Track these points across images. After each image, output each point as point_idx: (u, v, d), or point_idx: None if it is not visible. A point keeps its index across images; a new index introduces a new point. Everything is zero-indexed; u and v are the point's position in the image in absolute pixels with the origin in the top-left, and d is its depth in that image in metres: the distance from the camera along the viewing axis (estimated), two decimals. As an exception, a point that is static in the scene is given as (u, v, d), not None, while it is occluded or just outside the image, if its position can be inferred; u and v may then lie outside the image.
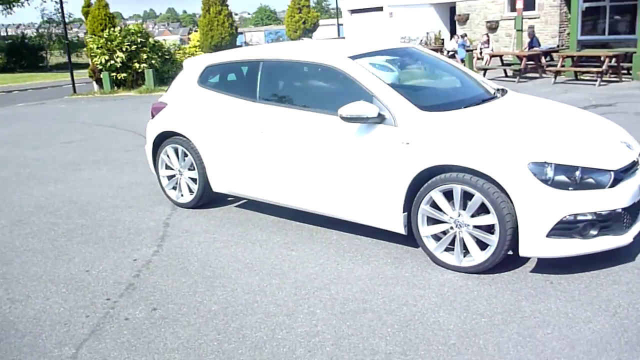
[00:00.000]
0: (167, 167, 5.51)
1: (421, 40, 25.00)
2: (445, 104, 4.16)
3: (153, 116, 5.57)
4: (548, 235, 3.44)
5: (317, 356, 2.93)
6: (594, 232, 3.49)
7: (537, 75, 15.98)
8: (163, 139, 5.43)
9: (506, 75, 16.60)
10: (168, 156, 5.42)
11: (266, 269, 4.01)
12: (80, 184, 6.59)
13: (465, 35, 20.92)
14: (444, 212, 3.77)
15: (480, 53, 19.09)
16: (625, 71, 14.46)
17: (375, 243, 4.34)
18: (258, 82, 4.77)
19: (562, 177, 3.43)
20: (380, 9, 24.61)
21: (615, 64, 14.14)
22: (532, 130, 3.88)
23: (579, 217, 3.43)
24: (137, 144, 8.69)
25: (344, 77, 4.26)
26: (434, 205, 3.80)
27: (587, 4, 18.64)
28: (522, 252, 3.55)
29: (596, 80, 13.80)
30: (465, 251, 3.77)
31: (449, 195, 3.73)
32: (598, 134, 3.99)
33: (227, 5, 21.08)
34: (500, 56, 16.91)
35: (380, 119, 3.94)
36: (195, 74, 5.28)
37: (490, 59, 17.65)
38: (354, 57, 4.36)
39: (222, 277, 3.91)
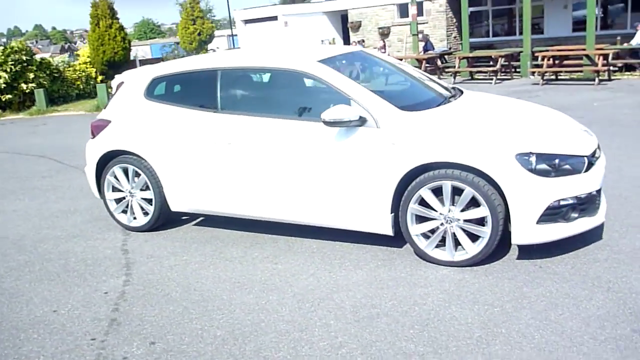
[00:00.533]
0: (115, 190, 5.09)
1: (317, 48, 25.49)
2: (419, 103, 4.23)
3: (94, 135, 5.11)
4: (538, 222, 3.61)
5: (351, 368, 2.83)
6: (575, 215, 3.72)
7: (435, 76, 16.86)
8: (109, 159, 5.01)
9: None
10: (116, 177, 5.00)
11: (258, 286, 3.82)
12: (5, 218, 5.88)
13: (363, 41, 21.62)
14: (434, 209, 3.82)
15: (379, 58, 19.78)
16: (514, 69, 15.71)
17: (358, 247, 4.30)
18: (218, 91, 4.55)
19: (544, 166, 3.61)
20: (274, 18, 24.73)
21: (507, 63, 15.33)
22: (507, 124, 4.06)
23: (562, 202, 3.64)
24: (53, 169, 7.95)
25: (317, 82, 4.19)
26: (423, 203, 3.84)
27: (472, 9, 20.08)
28: (515, 241, 3.69)
29: (491, 79, 14.87)
30: (457, 245, 3.84)
31: (437, 192, 3.79)
32: (561, 125, 4.27)
33: (118, 19, 19.99)
34: (400, 60, 17.64)
35: (361, 121, 3.91)
36: (140, 87, 4.93)
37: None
38: (322, 61, 4.30)
39: (214, 300, 3.66)
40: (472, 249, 3.78)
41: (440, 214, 3.81)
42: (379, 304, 3.44)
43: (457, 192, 3.74)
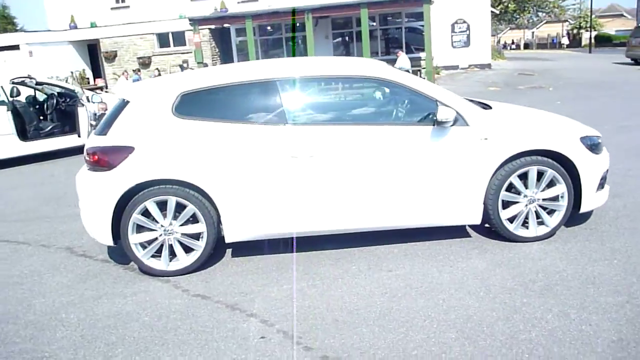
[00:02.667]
0: (141, 230, 4.17)
1: (66, 79, 22.93)
2: (481, 104, 4.70)
3: (108, 166, 4.09)
4: (596, 190, 4.50)
5: (570, 347, 3.18)
6: (603, 185, 4.73)
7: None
8: (134, 193, 4.09)
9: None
10: (145, 214, 4.12)
11: (414, 292, 3.75)
12: None
13: (139, 70, 20.42)
14: (521, 194, 4.36)
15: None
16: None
17: (438, 244, 4.53)
18: (282, 103, 4.23)
19: (592, 146, 4.52)
20: (16, 47, 21.38)
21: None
22: (547, 119, 4.81)
23: (603, 174, 4.61)
24: None
25: (401, 87, 4.31)
26: (509, 189, 4.36)
27: (240, 38, 20.98)
28: (584, 209, 4.49)
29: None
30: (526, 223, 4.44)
31: (522, 176, 4.35)
32: (570, 119, 5.21)
33: None
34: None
35: (455, 120, 4.23)
36: (163, 105, 4.19)
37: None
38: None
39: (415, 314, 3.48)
40: (551, 223, 4.43)
41: (525, 196, 4.38)
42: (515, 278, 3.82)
43: (524, 176, 4.33)
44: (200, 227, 4.17)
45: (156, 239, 4.20)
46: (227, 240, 4.27)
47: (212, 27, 21.00)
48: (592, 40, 43.31)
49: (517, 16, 42.46)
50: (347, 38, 20.64)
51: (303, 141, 4.14)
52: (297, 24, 19.36)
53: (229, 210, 4.15)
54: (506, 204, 4.39)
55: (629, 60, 24.39)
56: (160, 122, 4.16)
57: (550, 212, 4.45)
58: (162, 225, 4.17)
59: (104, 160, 4.12)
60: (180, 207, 4.14)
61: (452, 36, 23.15)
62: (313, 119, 4.31)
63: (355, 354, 3.06)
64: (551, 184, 4.38)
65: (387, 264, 4.22)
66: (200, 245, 4.21)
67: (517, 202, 4.39)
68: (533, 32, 66.85)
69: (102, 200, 4.12)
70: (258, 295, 3.85)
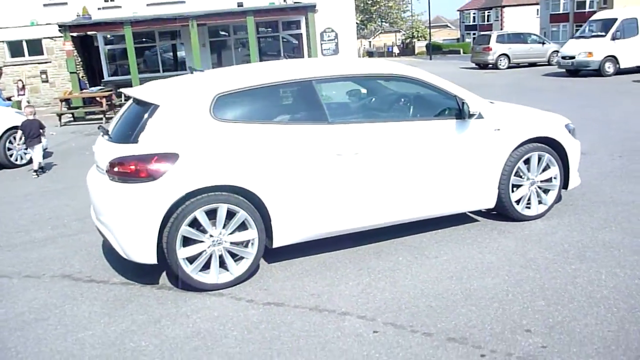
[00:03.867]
0: (188, 243, 3.88)
1: None
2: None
3: (152, 176, 3.75)
4: (577, 170, 5.19)
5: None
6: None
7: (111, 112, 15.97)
8: (180, 203, 3.81)
9: (75, 119, 15.84)
10: (195, 225, 3.86)
11: (475, 273, 4.02)
12: None
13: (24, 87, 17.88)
14: (526, 177, 4.87)
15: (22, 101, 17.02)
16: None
17: (433, 236, 4.85)
18: (320, 102, 4.24)
19: (572, 132, 5.19)
20: None
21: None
22: (535, 111, 5.35)
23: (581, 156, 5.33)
24: None
25: (423, 85, 4.57)
26: (517, 174, 4.85)
27: (109, 47, 19.73)
28: (571, 186, 5.13)
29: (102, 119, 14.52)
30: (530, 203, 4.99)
31: (525, 162, 4.87)
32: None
33: None
34: (67, 100, 15.85)
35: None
36: (199, 108, 3.96)
37: (62, 103, 16.06)
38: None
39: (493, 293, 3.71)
40: (548, 201, 5.02)
41: (528, 179, 4.90)
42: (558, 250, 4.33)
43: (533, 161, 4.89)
44: (251, 234, 4.00)
45: (204, 251, 3.94)
46: (275, 245, 4.15)
47: (75, 34, 19.33)
48: (428, 49, 47.87)
49: (363, 26, 45.36)
50: (226, 45, 20.39)
51: (346, 139, 4.19)
52: (178, 32, 18.73)
53: (280, 213, 4.05)
54: (513, 188, 4.86)
55: (473, 65, 27.47)
56: (199, 126, 3.92)
57: (546, 191, 5.03)
58: (211, 236, 3.92)
59: (146, 170, 3.76)
60: (229, 215, 3.93)
61: (321, 44, 23.99)
62: (352, 117, 4.40)
63: (474, 332, 3.23)
64: (546, 167, 4.95)
65: (427, 252, 4.44)
66: (251, 253, 4.04)
67: (522, 185, 4.89)
68: (370, 42, 71.88)
69: (146, 215, 3.76)
70: (331, 294, 3.83)
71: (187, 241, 3.88)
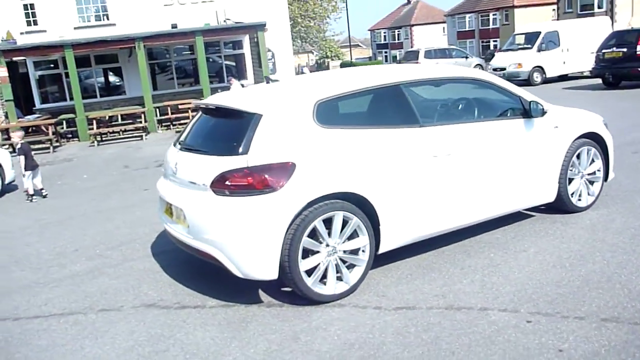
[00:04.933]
0: (306, 255, 3.76)
1: None
2: None
3: (270, 186, 3.60)
4: (613, 162, 5.59)
5: None
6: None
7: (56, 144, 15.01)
8: (300, 213, 3.69)
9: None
10: (312, 236, 3.74)
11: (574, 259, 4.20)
12: None
13: None
14: (578, 168, 5.17)
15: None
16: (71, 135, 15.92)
17: (505, 233, 5.06)
18: (412, 105, 4.29)
19: (606, 127, 5.57)
20: None
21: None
22: (579, 109, 5.60)
23: (607, 149, 5.73)
24: None
25: (495, 88, 4.75)
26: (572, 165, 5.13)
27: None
28: (609, 178, 5.49)
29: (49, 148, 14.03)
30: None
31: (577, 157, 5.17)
32: None
33: None
34: (5, 130, 14.61)
35: (540, 112, 4.85)
36: (302, 115, 3.88)
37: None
38: (480, 73, 4.88)
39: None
40: (595, 192, 5.35)
41: (578, 172, 5.20)
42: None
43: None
44: (362, 241, 3.94)
45: (321, 262, 3.82)
46: (382, 250, 4.11)
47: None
48: (343, 67, 49.09)
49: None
50: (166, 68, 19.80)
51: (439, 140, 4.26)
52: (116, 55, 17.95)
53: (387, 218, 4.03)
54: (569, 181, 5.15)
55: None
56: (305, 134, 3.83)
57: (592, 183, 5.36)
58: (327, 245, 3.82)
59: (266, 181, 3.60)
60: (342, 223, 3.85)
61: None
62: (438, 119, 4.46)
63: (620, 311, 3.39)
64: (592, 161, 5.28)
65: (512, 247, 4.57)
66: (363, 260, 3.97)
67: (574, 179, 5.19)
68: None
69: (269, 228, 3.59)
70: (454, 293, 3.84)
71: (305, 253, 3.75)
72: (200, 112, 4.64)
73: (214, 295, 4.18)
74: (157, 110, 16.23)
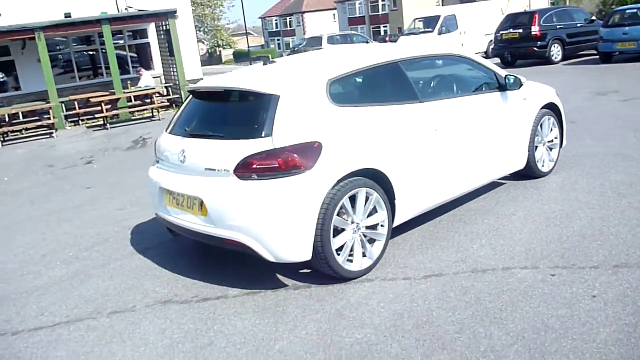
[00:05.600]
0: (337, 233, 3.78)
1: None
2: None
3: (301, 167, 3.56)
4: (565, 130, 6.14)
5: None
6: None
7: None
8: (330, 192, 3.70)
9: None
10: (343, 212, 3.77)
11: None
12: None
13: None
14: (541, 137, 5.61)
15: None
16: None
17: (488, 200, 5.42)
18: (410, 82, 4.42)
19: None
20: None
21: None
22: (535, 83, 6.04)
23: (557, 119, 6.28)
24: None
25: (473, 64, 5.02)
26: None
27: None
28: (564, 144, 6.03)
29: None
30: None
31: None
32: None
33: None
34: None
35: (512, 85, 5.20)
36: (317, 94, 3.87)
37: None
38: (458, 52, 5.12)
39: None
40: (555, 158, 5.85)
41: (542, 140, 5.65)
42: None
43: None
44: (382, 216, 4.02)
45: (348, 239, 3.86)
46: (396, 223, 4.22)
47: None
48: (236, 56, 48.35)
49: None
50: (65, 60, 18.33)
51: (437, 115, 4.45)
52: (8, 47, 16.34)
53: (402, 191, 4.14)
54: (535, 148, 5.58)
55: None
56: (323, 113, 3.83)
57: (551, 150, 5.85)
58: (352, 222, 3.86)
59: (295, 162, 3.56)
60: (367, 199, 3.91)
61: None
62: (433, 95, 4.63)
63: (625, 258, 3.77)
64: (551, 129, 5.77)
65: (501, 212, 4.89)
66: (383, 235, 4.06)
67: (538, 147, 5.63)
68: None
69: (304, 208, 3.57)
70: (472, 257, 4.05)
71: (334, 232, 3.76)
72: (191, 97, 4.46)
73: (230, 284, 4.06)
74: (63, 105, 15.05)
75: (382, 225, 4.05)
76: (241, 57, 58.89)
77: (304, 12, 65.81)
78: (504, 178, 5.64)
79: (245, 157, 3.60)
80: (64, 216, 6.42)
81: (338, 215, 3.75)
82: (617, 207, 4.69)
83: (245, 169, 3.60)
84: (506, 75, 5.09)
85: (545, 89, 5.82)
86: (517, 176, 5.64)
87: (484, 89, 5.06)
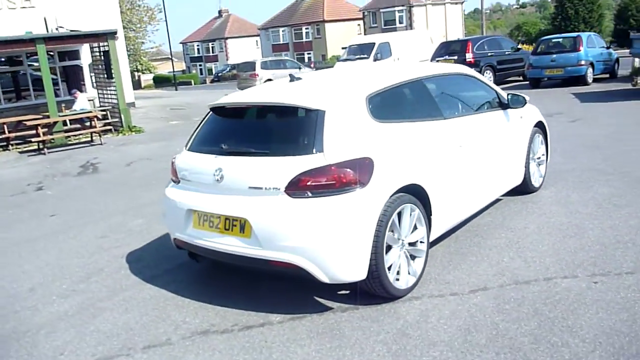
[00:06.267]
0: (387, 250, 3.70)
1: None
2: None
3: (356, 183, 3.47)
4: (547, 147, 6.47)
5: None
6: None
7: None
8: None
9: None
10: (393, 228, 3.71)
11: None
12: None
13: None
14: (534, 153, 5.85)
15: None
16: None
17: (493, 216, 5.57)
18: (435, 99, 4.49)
19: (535, 118, 6.44)
20: None
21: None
22: None
23: (537, 137, 6.61)
24: None
25: (477, 83, 5.18)
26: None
27: None
28: (548, 156, 6.34)
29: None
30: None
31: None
32: None
33: None
34: None
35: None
36: (360, 110, 3.83)
37: None
38: (468, 71, 5.28)
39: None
40: (543, 173, 6.12)
41: (534, 154, 5.89)
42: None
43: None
44: (421, 232, 3.99)
45: (396, 256, 3.79)
46: (430, 239, 4.20)
47: None
48: (156, 81, 47.19)
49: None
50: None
51: (459, 131, 4.53)
52: None
53: (437, 207, 4.14)
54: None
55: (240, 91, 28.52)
56: (366, 129, 3.78)
57: (539, 165, 6.12)
58: (398, 239, 3.80)
59: (353, 178, 3.46)
60: (410, 214, 3.87)
61: (91, 77, 22.07)
62: (453, 111, 4.70)
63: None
64: (539, 146, 6.05)
65: (512, 226, 5.03)
66: (422, 251, 4.02)
67: (531, 162, 5.88)
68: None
69: (362, 225, 3.46)
70: (508, 270, 4.11)
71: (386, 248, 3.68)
72: (211, 113, 4.26)
73: (266, 309, 3.84)
74: (-13, 130, 13.90)
75: (421, 242, 4.01)
76: (162, 82, 57.62)
77: (227, 38, 65.56)
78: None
79: (297, 175, 3.45)
80: (37, 246, 5.83)
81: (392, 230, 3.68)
82: (619, 217, 4.96)
83: (298, 187, 3.45)
84: (509, 94, 5.29)
85: (533, 108, 6.10)
86: (511, 192, 5.83)
87: (488, 107, 5.22)
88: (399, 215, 3.76)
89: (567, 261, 4.17)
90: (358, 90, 3.94)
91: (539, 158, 6.04)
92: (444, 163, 4.25)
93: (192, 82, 57.17)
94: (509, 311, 3.52)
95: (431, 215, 4.09)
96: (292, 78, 4.29)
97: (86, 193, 8.32)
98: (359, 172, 3.49)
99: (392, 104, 4.19)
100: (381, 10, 50.42)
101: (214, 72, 62.02)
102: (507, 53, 18.45)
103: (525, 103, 5.39)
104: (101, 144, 13.58)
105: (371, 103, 3.90)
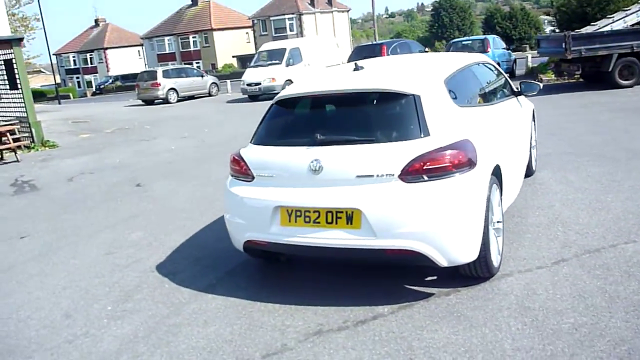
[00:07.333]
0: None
1: None
2: None
3: (470, 164, 3.50)
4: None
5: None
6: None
7: None
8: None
9: None
10: (491, 206, 3.79)
11: (596, 204, 5.18)
12: None
13: None
14: (532, 139, 6.27)
15: None
16: None
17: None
18: (482, 85, 4.67)
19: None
20: None
21: None
22: None
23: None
24: None
25: (496, 71, 5.44)
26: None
27: None
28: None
29: None
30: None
31: (528, 129, 6.28)
32: None
33: None
34: None
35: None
36: (443, 95, 3.88)
37: None
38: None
39: (628, 211, 4.89)
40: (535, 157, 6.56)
41: (531, 138, 6.30)
42: (595, 179, 5.92)
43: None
44: (499, 212, 4.10)
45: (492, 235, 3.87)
46: (494, 221, 4.33)
47: None
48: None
49: None
50: None
51: (503, 116, 4.75)
52: None
53: (506, 188, 4.28)
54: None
55: (140, 102, 27.07)
56: (453, 112, 3.84)
57: (534, 147, 6.53)
58: (491, 219, 3.87)
59: (466, 159, 3.48)
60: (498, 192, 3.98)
61: None
62: (494, 97, 4.90)
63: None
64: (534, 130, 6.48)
65: (542, 204, 5.32)
66: (500, 230, 4.12)
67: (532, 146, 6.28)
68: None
69: (476, 206, 3.50)
70: (565, 245, 4.35)
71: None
72: (274, 105, 4.08)
73: (365, 303, 3.72)
74: None
75: (499, 221, 4.12)
76: (37, 97, 52.97)
77: (107, 48, 61.93)
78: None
79: (412, 159, 3.40)
80: (30, 270, 5.11)
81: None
82: (627, 190, 5.46)
83: (413, 171, 3.40)
84: (521, 82, 5.62)
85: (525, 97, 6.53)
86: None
87: (509, 94, 5.49)
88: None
89: (615, 229, 4.51)
90: (434, 75, 3.98)
91: (533, 143, 6.47)
92: (506, 146, 4.41)
93: (71, 96, 53.33)
94: (604, 276, 3.74)
95: (502, 195, 4.23)
96: (357, 67, 4.22)
97: (45, 212, 7.43)
98: (469, 153, 3.53)
99: (460, 89, 4.26)
100: (271, 18, 50.70)
101: (94, 85, 58.34)
102: (417, 56, 19.46)
103: (539, 89, 5.74)
104: (17, 161, 12.21)
105: (448, 87, 3.95)
